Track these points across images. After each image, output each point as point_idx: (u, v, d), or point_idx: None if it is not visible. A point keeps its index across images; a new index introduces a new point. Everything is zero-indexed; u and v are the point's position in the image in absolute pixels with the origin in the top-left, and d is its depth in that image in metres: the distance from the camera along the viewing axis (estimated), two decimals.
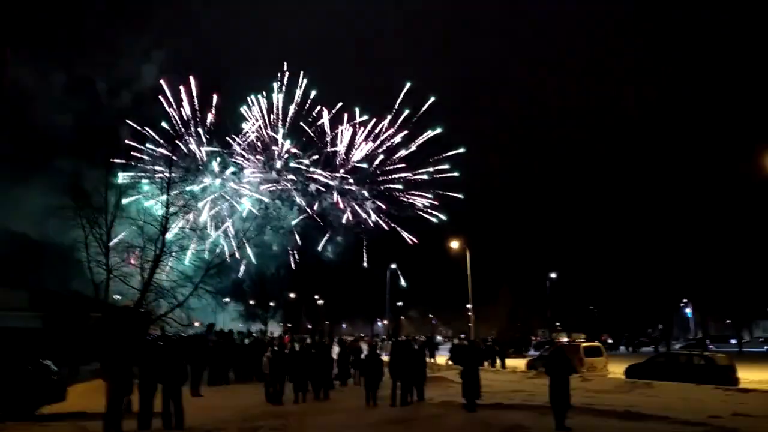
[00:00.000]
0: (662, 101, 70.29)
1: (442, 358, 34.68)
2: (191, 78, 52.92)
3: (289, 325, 71.76)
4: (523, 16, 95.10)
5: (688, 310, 69.12)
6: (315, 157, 60.83)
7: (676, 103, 67.16)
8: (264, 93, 61.24)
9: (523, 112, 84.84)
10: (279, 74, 60.45)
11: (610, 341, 60.43)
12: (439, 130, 61.99)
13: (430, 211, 57.80)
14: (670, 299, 56.80)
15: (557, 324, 70.97)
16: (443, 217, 57.91)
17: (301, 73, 61.21)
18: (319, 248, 59.48)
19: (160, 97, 52.10)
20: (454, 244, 40.93)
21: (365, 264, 60.90)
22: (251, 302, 64.36)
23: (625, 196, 59.26)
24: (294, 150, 60.19)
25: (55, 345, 21.94)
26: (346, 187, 60.52)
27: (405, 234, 57.10)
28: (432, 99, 61.19)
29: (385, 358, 18.74)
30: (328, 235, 61.98)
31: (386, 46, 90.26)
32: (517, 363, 33.57)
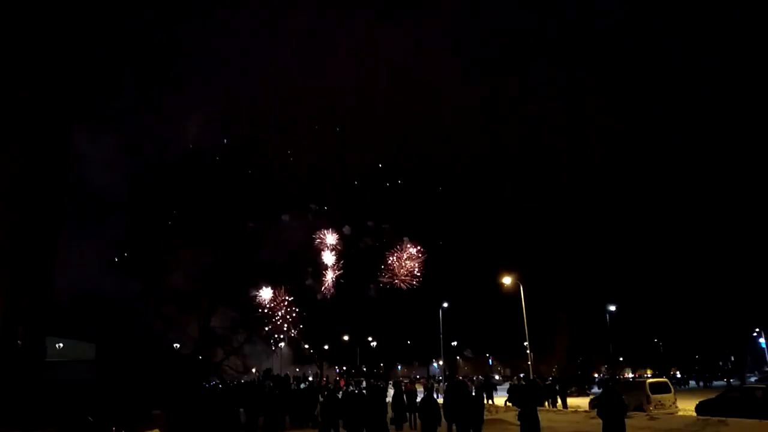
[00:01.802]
0: (723, 124, 68.11)
1: (500, 399, 33.69)
2: None
3: (344, 368, 71.58)
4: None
5: (761, 340, 65.20)
6: None
7: (740, 125, 64.93)
8: None
9: (575, 139, 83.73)
10: None
11: (678, 376, 57.53)
12: None
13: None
14: (741, 329, 53.87)
15: (620, 359, 68.14)
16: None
17: None
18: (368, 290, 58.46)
19: None
20: (507, 279, 40.15)
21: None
22: (305, 346, 64.55)
23: (689, 221, 57.15)
24: None
25: (116, 395, 22.60)
26: None
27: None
28: None
29: (440, 400, 18.35)
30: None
31: None
32: (579, 402, 32.25)
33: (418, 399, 19.88)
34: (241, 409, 18.26)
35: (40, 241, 19.73)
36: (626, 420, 20.04)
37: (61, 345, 37.82)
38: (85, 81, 23.00)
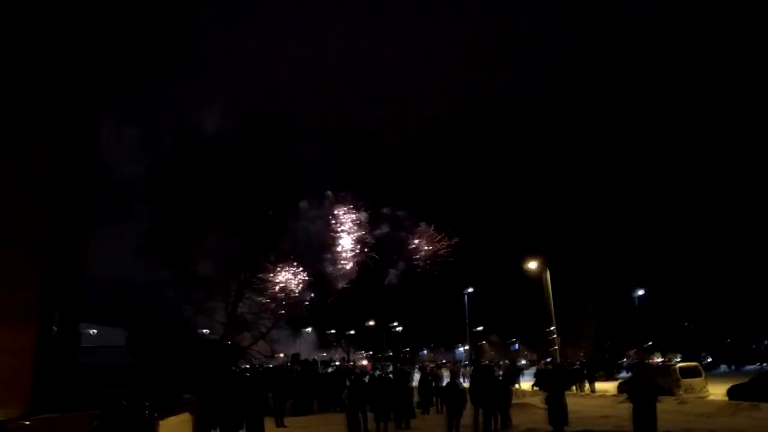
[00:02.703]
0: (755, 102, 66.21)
1: (526, 383, 33.59)
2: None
3: (370, 352, 72.12)
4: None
5: None
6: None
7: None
8: None
9: (602, 122, 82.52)
10: None
11: (709, 360, 56.59)
12: None
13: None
14: None
15: (649, 343, 67.28)
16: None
17: None
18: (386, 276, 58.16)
19: None
20: (533, 264, 39.78)
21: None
22: (332, 331, 65.19)
23: (719, 202, 55.88)
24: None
25: (148, 380, 23.11)
26: None
27: None
28: None
29: (466, 384, 18.39)
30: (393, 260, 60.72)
31: None
32: (607, 386, 31.96)
33: (444, 383, 19.95)
34: (270, 393, 18.55)
35: (72, 231, 20.18)
36: (656, 404, 19.88)
37: (95, 331, 38.84)
38: (113, 70, 23.29)
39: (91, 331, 37.16)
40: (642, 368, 18.47)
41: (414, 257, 43.03)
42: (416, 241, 41.77)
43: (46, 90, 19.55)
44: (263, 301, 29.92)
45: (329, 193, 46.55)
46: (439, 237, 42.01)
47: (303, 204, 41.82)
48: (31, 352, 16.92)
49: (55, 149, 19.41)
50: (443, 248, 42.98)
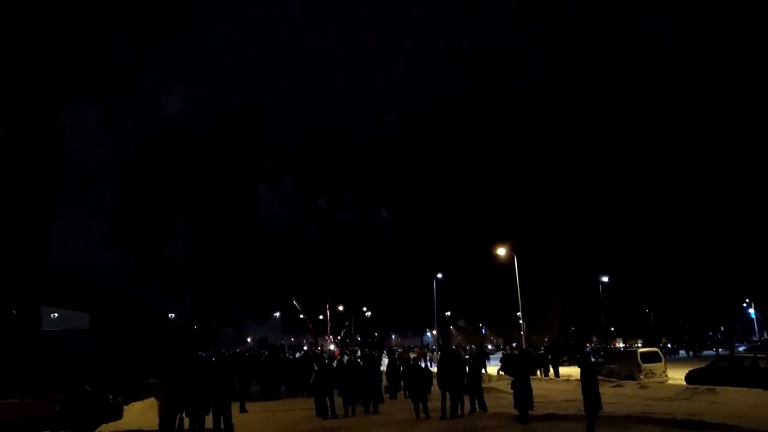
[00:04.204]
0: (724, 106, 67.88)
1: (493, 368, 34.10)
2: None
3: (339, 338, 72.21)
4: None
5: (751, 311, 66.06)
6: None
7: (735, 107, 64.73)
8: None
9: (574, 110, 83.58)
10: None
11: (668, 345, 58.29)
12: None
13: None
14: (731, 299, 54.43)
15: (612, 329, 68.94)
16: None
17: None
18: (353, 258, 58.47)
19: None
20: (501, 251, 40.20)
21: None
22: (301, 316, 65.04)
23: (680, 192, 57.33)
24: None
25: (112, 364, 22.72)
26: None
27: None
28: None
29: (433, 368, 18.52)
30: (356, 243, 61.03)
31: None
32: (571, 371, 32.66)
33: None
34: (235, 378, 18.40)
35: (33, 213, 19.60)
36: (618, 389, 20.40)
37: (56, 315, 37.93)
38: (76, 54, 22.60)
39: (53, 315, 36.27)
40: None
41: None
42: None
43: (3, 73, 18.84)
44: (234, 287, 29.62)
45: (287, 177, 46.23)
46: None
47: (262, 188, 41.36)
48: None
49: (14, 131, 18.76)
50: None
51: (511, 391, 14.90)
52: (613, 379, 23.50)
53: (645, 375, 24.22)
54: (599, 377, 20.25)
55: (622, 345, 64.53)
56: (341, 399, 17.04)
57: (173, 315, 31.70)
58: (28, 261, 19.43)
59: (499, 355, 47.52)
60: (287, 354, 38.97)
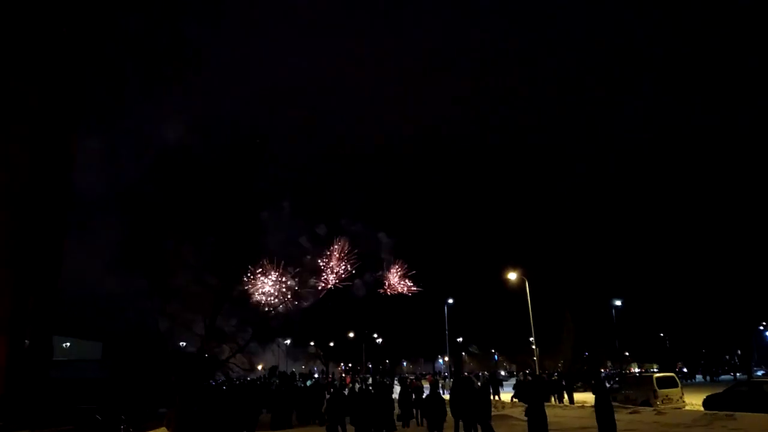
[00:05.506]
0: (728, 119, 67.90)
1: (506, 394, 33.65)
2: None
3: (350, 365, 71.70)
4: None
5: None
6: None
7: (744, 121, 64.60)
8: None
9: (580, 137, 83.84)
10: None
11: (684, 370, 57.36)
12: None
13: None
14: (748, 322, 53.59)
15: (626, 354, 68.01)
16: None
17: None
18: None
19: None
20: (512, 275, 40.00)
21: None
22: (311, 343, 64.82)
23: (695, 215, 56.96)
24: None
25: (124, 393, 22.68)
26: None
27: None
28: None
29: (446, 396, 18.34)
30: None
31: None
32: (586, 397, 32.16)
33: (425, 395, 19.84)
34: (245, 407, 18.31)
35: (45, 241, 19.77)
36: (634, 415, 20.07)
37: (68, 344, 38.02)
38: (89, 80, 22.98)
39: (64, 344, 36.37)
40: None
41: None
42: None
43: (17, 98, 19.23)
44: (242, 312, 29.54)
45: (285, 204, 46.10)
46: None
47: (264, 214, 40.92)
48: (1, 366, 16.48)
49: (27, 158, 19.07)
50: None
51: (525, 419, 14.70)
52: (629, 405, 23.11)
53: (661, 401, 23.81)
54: (614, 403, 20.05)
55: (637, 370, 63.58)
56: (353, 428, 16.87)
57: (184, 343, 31.58)
58: (41, 289, 19.54)
59: (513, 381, 46.93)
60: (298, 382, 38.71)
